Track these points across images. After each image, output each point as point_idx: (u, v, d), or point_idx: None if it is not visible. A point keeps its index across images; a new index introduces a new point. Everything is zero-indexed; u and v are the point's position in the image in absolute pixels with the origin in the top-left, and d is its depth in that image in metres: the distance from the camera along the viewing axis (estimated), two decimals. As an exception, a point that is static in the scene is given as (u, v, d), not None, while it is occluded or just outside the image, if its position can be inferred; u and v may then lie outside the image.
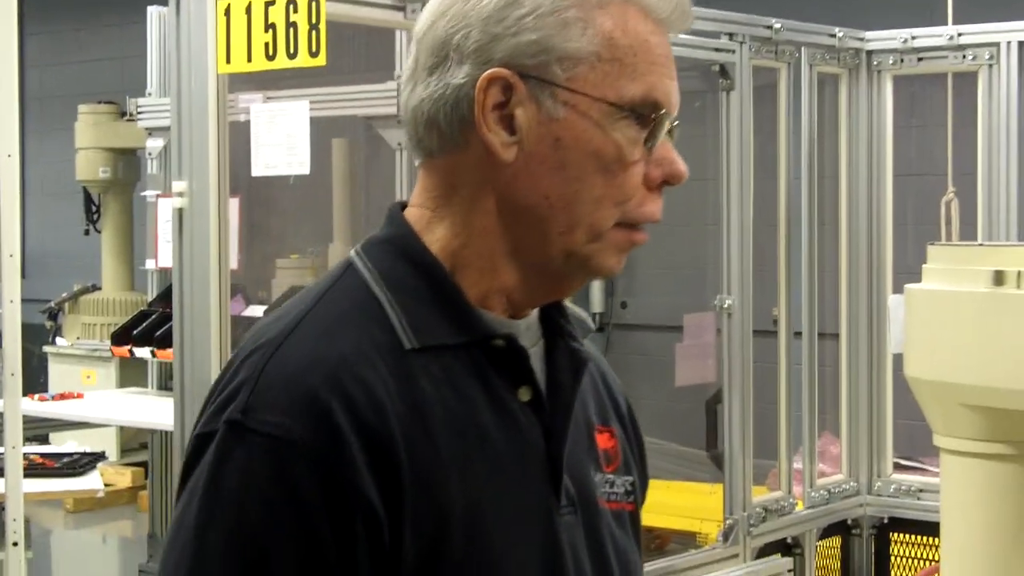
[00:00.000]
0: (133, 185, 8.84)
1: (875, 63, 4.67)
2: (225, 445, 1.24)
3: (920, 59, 4.62)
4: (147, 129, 5.99)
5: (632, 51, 1.31)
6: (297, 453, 1.22)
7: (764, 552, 4.34)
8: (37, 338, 8.86)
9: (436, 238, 1.34)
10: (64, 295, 9.17)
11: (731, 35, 4.25)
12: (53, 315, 9.28)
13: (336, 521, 1.21)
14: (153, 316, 5.87)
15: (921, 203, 5.49)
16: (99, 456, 5.32)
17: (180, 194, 3.41)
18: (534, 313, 1.39)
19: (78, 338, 8.90)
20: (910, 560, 4.67)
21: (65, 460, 5.14)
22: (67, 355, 8.94)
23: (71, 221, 9.85)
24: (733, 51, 4.24)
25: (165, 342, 5.55)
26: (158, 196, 5.81)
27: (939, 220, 4.52)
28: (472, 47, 1.30)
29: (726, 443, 4.28)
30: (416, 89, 1.34)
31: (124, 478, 8.76)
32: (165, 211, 5.53)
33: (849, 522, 4.70)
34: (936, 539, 3.98)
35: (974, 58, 4.48)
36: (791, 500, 4.46)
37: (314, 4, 3.24)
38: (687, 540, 5.00)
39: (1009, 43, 4.42)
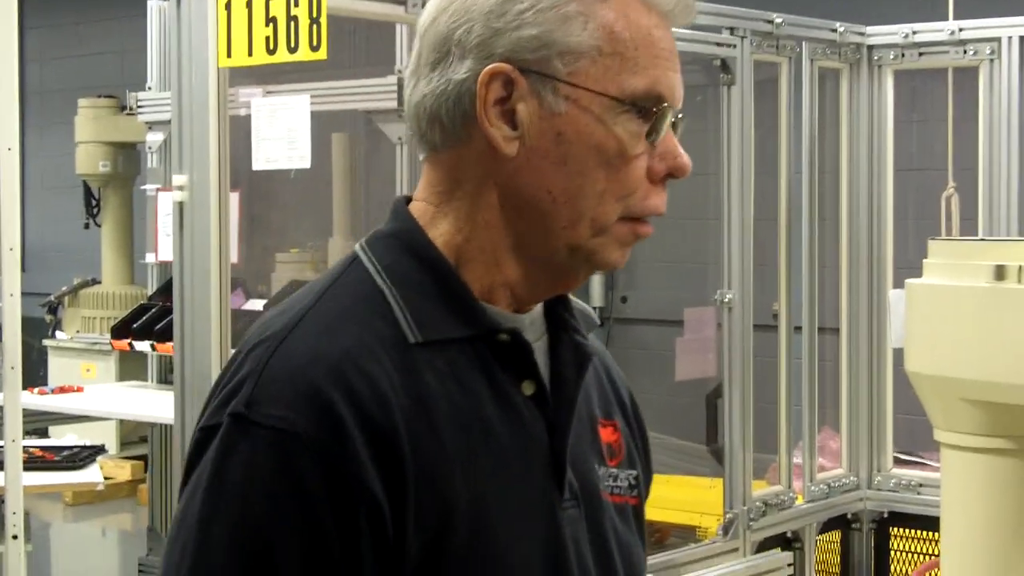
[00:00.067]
0: (133, 179, 8.85)
1: (876, 58, 4.66)
2: (229, 438, 1.24)
3: (921, 54, 4.62)
4: (147, 123, 5.97)
5: (634, 45, 1.31)
6: (301, 446, 1.22)
7: (764, 546, 4.34)
8: (37, 332, 8.86)
9: (440, 232, 1.34)
10: (64, 289, 9.17)
11: (732, 29, 4.25)
12: (53, 309, 9.29)
13: (340, 514, 1.21)
14: (153, 310, 5.86)
15: (922, 198, 5.49)
16: (99, 449, 5.32)
17: (181, 188, 3.41)
18: (538, 307, 1.39)
19: (78, 332, 8.90)
20: (910, 554, 4.68)
21: (65, 453, 5.14)
22: (67, 349, 8.94)
23: (71, 215, 9.85)
24: (734, 45, 4.24)
25: (165, 336, 5.54)
26: (158, 190, 5.81)
27: (940, 215, 4.52)
28: (474, 42, 1.30)
29: (726, 437, 4.28)
30: (419, 84, 1.34)
31: (124, 471, 8.77)
32: (165, 205, 5.52)
33: (849, 516, 4.70)
34: (936, 534, 3.98)
35: (975, 53, 4.48)
36: (791, 494, 4.46)
37: (315, -2, 3.24)
38: (687, 534, 5.01)
39: (1010, 38, 4.42)
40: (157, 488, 5.98)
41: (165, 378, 6.00)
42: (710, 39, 4.21)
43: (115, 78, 9.95)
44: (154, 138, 5.93)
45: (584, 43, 1.29)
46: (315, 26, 3.26)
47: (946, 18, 4.54)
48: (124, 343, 5.88)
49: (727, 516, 4.25)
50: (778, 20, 4.35)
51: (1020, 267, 3.14)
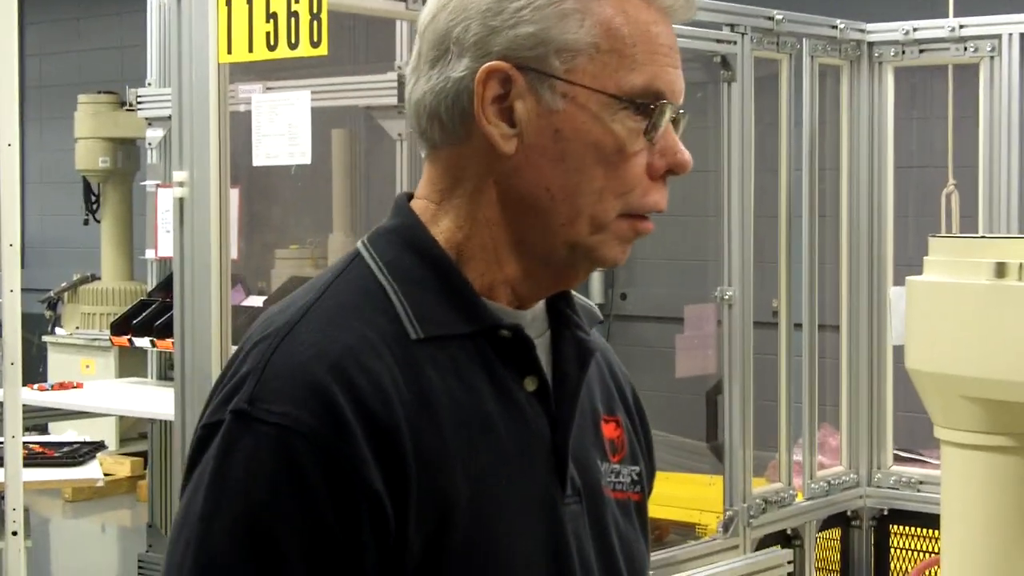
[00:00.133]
0: (133, 175, 8.84)
1: (876, 55, 4.66)
2: (231, 435, 1.24)
3: (921, 51, 4.62)
4: (147, 119, 5.97)
5: (632, 41, 1.30)
6: (304, 442, 1.22)
7: (764, 543, 4.34)
8: (36, 327, 8.86)
9: (441, 229, 1.35)
10: (63, 284, 9.17)
11: (732, 26, 4.25)
12: (52, 304, 9.28)
13: (342, 510, 1.21)
14: (152, 306, 5.87)
15: (922, 195, 5.49)
16: (98, 445, 5.31)
17: (181, 184, 3.41)
18: (541, 303, 1.39)
19: (77, 328, 8.90)
20: (910, 552, 4.68)
21: (64, 449, 5.14)
22: (66, 344, 8.95)
23: (71, 210, 9.85)
24: (734, 42, 4.24)
25: (164, 332, 5.54)
26: (158, 186, 5.81)
27: (940, 212, 4.52)
28: (471, 40, 1.30)
29: (726, 434, 4.28)
30: (419, 82, 1.34)
31: (123, 468, 8.78)
32: (165, 201, 5.52)
33: (849, 514, 4.70)
34: (936, 531, 3.99)
35: (975, 50, 4.48)
36: (791, 491, 4.46)
37: (316, -6, 3.24)
38: (687, 531, 5.02)
39: (1011, 35, 4.42)
40: (157, 484, 5.98)
41: (165, 374, 6.00)
42: (710, 36, 4.21)
43: (115, 74, 9.95)
44: (154, 134, 5.93)
45: (581, 40, 1.29)
46: (316, 22, 3.26)
47: (947, 15, 4.54)
48: (124, 339, 5.88)
49: (727, 513, 4.25)
50: (778, 17, 4.35)
51: (1020, 264, 3.14)
